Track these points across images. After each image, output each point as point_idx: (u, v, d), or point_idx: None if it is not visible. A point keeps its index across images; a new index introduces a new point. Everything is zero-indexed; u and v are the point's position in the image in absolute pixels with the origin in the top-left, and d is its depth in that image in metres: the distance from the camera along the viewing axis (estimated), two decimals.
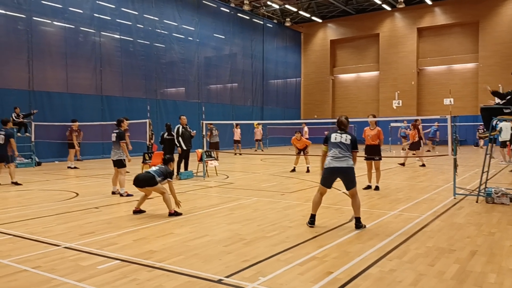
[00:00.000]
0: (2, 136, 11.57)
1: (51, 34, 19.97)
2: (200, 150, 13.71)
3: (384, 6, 33.01)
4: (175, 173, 13.24)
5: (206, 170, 13.27)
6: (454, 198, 8.94)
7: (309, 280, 4.20)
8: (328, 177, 6.39)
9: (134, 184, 7.52)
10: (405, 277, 4.30)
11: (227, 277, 4.31)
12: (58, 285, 4.12)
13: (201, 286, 4.09)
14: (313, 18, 36.06)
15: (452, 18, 32.35)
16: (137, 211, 7.62)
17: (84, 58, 20.96)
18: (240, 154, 23.41)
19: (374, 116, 10.65)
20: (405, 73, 34.06)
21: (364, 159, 10.41)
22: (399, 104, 34.03)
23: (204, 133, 13.78)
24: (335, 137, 6.43)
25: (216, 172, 14.08)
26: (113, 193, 9.76)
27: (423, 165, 16.03)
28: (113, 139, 9.74)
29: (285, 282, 4.16)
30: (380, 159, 10.31)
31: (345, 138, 6.39)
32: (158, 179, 7.44)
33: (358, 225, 6.30)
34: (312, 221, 6.46)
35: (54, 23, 19.93)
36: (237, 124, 24.96)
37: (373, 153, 10.20)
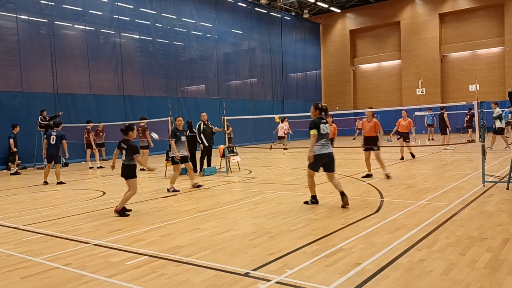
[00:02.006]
0: (54, 137, 12.06)
1: (72, 37, 20.36)
2: (222, 146, 13.76)
3: None
4: (198, 169, 13.36)
5: (229, 165, 13.31)
6: (483, 186, 8.71)
7: (336, 272, 4.16)
8: (318, 163, 7.33)
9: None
10: (435, 266, 4.21)
11: (254, 270, 4.30)
12: (89, 281, 4.20)
13: (228, 279, 4.10)
14: (332, 8, 35.63)
15: (475, 1, 31.42)
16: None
17: (105, 59, 21.31)
18: (286, 149, 23.18)
19: (371, 108, 11.12)
20: (428, 60, 33.33)
21: (363, 150, 10.88)
22: (422, 92, 33.36)
23: (225, 129, 13.81)
24: (323, 128, 7.30)
25: (239, 167, 14.12)
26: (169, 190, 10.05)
27: (412, 155, 15.06)
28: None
29: (313, 274, 4.13)
30: (378, 149, 10.65)
31: (328, 128, 7.41)
32: (132, 163, 7.42)
33: (344, 196, 7.23)
34: (316, 201, 7.57)
35: (75, 26, 20.30)
36: (283, 120, 24.70)
37: (371, 143, 10.68)
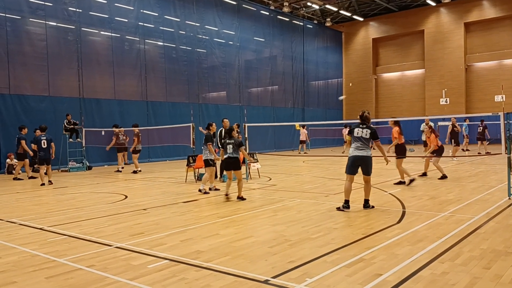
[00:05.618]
0: (44, 141, 12.93)
1: (98, 44, 20.84)
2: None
3: (429, 1, 31.99)
4: (218, 176, 13.43)
5: (249, 172, 13.34)
6: (509, 199, 8.50)
7: (357, 282, 4.12)
8: (351, 165, 7.69)
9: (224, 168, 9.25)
10: (458, 280, 4.13)
11: (274, 277, 4.31)
12: (111, 283, 4.27)
13: (248, 286, 4.11)
14: (354, 17, 35.49)
15: (502, 11, 30.81)
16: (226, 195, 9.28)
17: (129, 65, 21.71)
18: (306, 153, 23.50)
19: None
20: (452, 70, 32.77)
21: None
22: (446, 102, 32.81)
23: (246, 135, 13.86)
24: (357, 132, 7.72)
25: (259, 174, 14.14)
26: (209, 189, 10.73)
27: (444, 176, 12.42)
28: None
29: (333, 283, 4.11)
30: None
31: (365, 133, 7.67)
32: (237, 155, 8.99)
33: (366, 205, 7.79)
34: (348, 205, 7.67)
35: (101, 33, 20.78)
36: (303, 126, 25.22)
37: None
